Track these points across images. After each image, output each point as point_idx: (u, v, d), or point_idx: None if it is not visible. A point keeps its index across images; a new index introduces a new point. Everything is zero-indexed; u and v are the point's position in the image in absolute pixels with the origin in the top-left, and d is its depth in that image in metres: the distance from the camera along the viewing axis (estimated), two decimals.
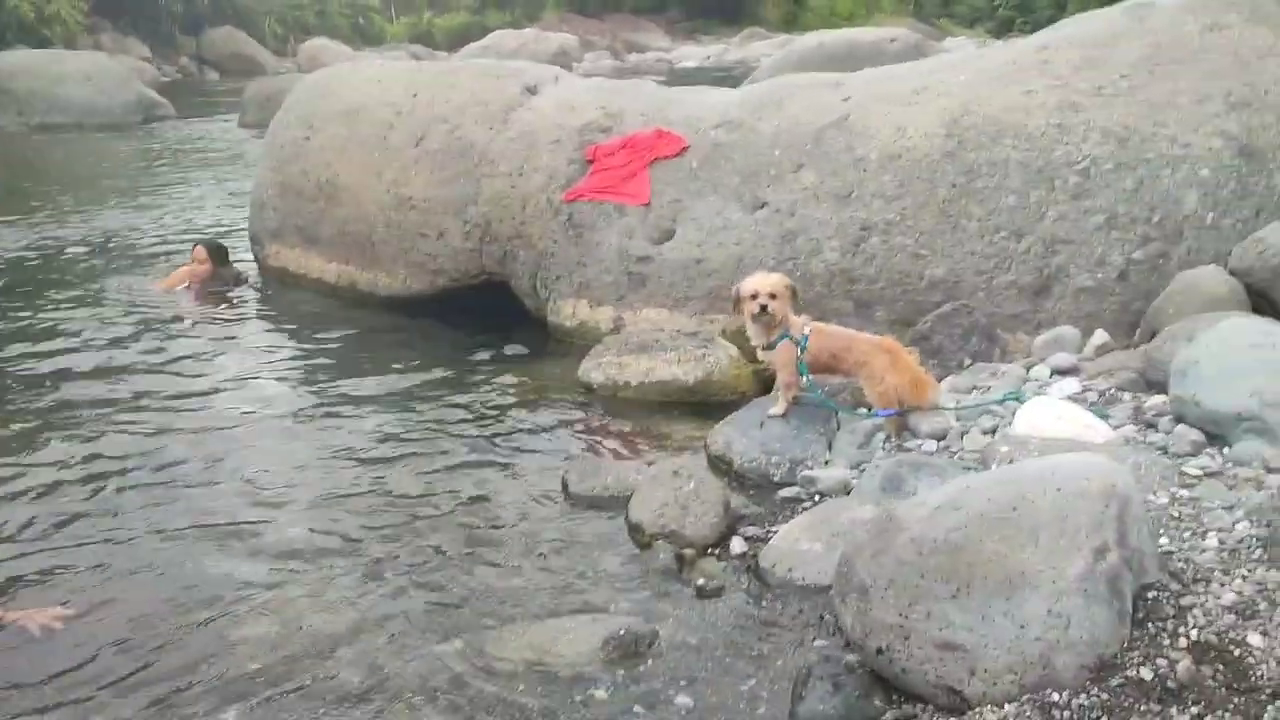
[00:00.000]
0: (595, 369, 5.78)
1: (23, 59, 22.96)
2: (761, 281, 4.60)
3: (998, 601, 2.78)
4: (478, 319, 7.32)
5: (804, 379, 4.66)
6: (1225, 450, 3.86)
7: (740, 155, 6.84)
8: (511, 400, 5.78)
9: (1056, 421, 4.14)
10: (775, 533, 3.96)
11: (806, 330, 4.61)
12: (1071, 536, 2.82)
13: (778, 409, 4.73)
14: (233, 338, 7.25)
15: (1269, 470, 3.60)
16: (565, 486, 4.51)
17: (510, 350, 6.75)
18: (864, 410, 4.64)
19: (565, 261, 7.00)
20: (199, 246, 8.68)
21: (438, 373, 6.27)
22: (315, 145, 8.24)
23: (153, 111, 22.44)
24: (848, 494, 4.24)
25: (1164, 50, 6.22)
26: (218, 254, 8.62)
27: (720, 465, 4.69)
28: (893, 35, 31.55)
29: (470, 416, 5.53)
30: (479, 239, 7.35)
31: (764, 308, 4.56)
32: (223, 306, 8.10)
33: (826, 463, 4.48)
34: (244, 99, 21.65)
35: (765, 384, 5.76)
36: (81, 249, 9.98)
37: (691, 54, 46.43)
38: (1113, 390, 4.69)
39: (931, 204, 6.05)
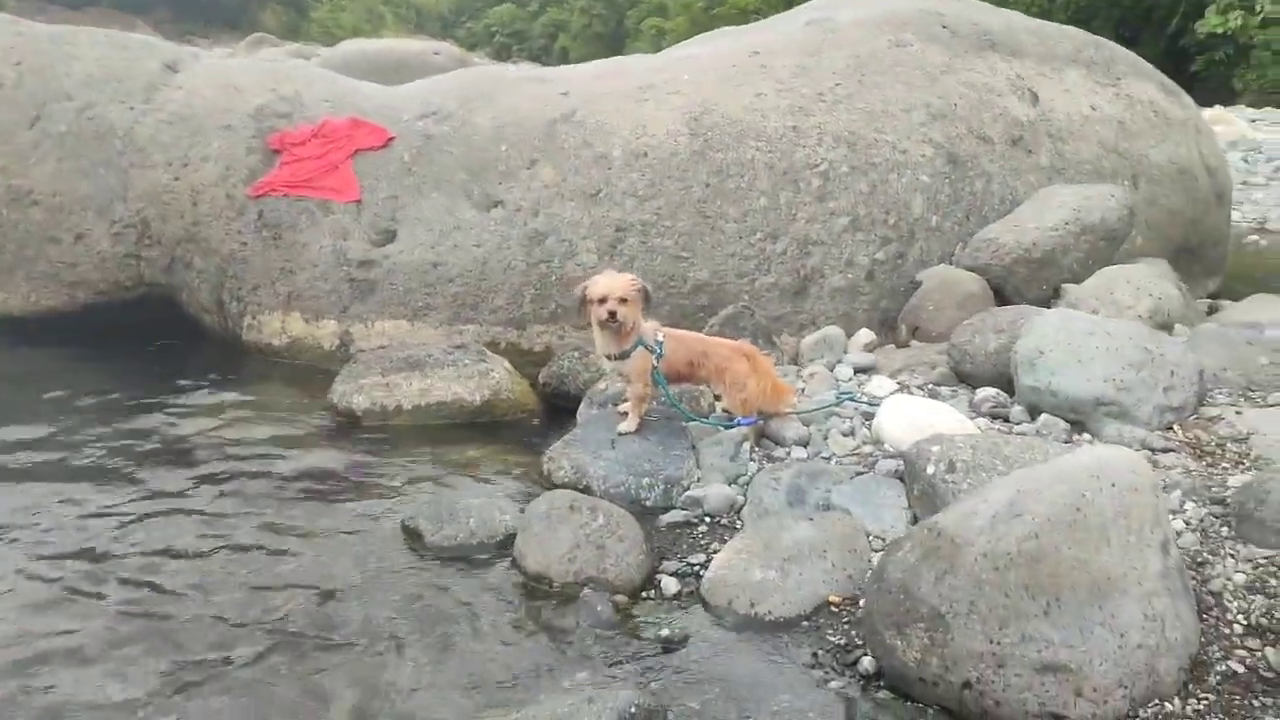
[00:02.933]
0: (357, 393, 4.83)
1: None
2: (611, 284, 4.04)
3: (1091, 611, 2.58)
4: (127, 343, 5.90)
5: (661, 389, 4.20)
6: (1088, 436, 4.03)
7: (460, 149, 6.17)
8: (257, 442, 4.62)
9: (930, 417, 4.08)
10: (699, 565, 3.48)
11: (659, 336, 4.15)
12: (1139, 533, 2.69)
13: (629, 425, 4.21)
14: None
15: (1154, 451, 3.79)
16: (416, 537, 3.64)
17: (206, 379, 5.47)
18: (724, 419, 4.29)
19: (263, 268, 5.85)
20: None
21: (130, 419, 4.87)
22: None
23: None
24: (737, 513, 3.86)
25: (865, 63, 6.56)
26: None
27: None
28: (436, 49, 31.47)
29: (216, 470, 4.31)
30: (135, 242, 5.93)
31: (613, 314, 4.02)
32: None
33: (699, 480, 4.05)
34: None
35: (549, 401, 5.20)
36: None
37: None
38: (931, 385, 4.77)
39: (687, 204, 5.84)
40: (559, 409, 5.12)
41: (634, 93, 6.35)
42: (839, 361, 5.16)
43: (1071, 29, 7.99)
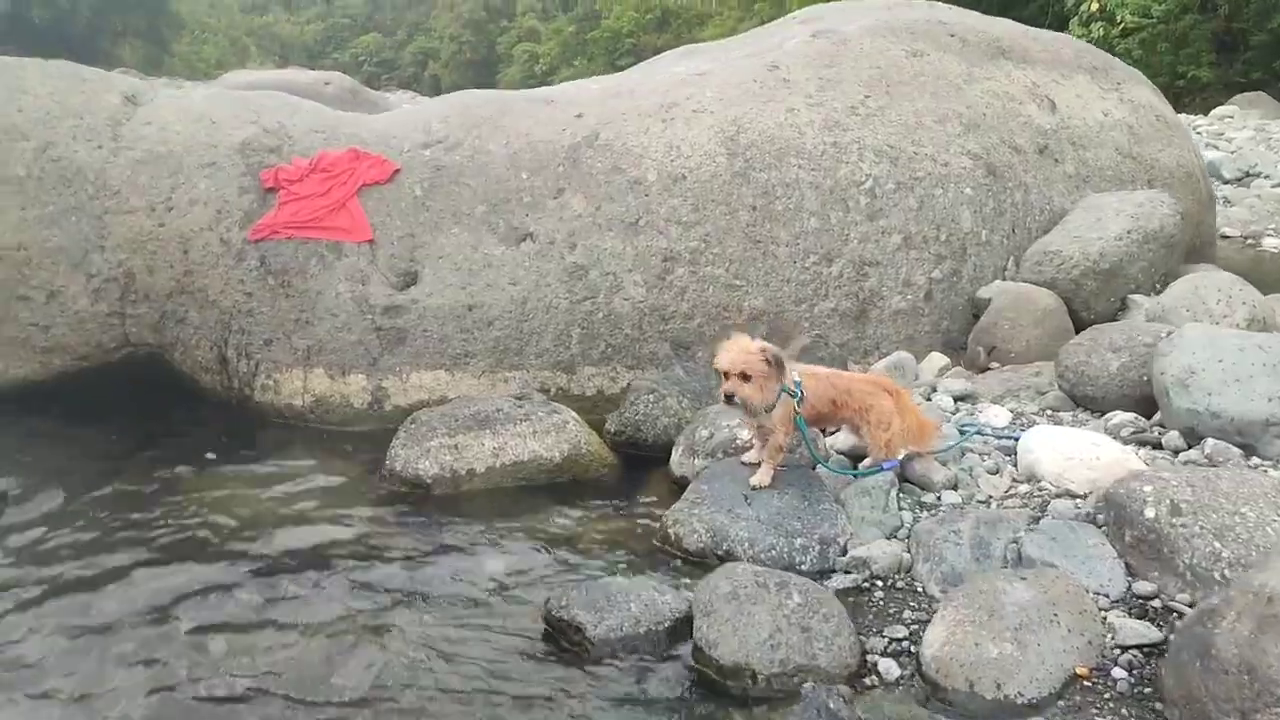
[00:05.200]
0: (423, 457, 4.25)
1: None
2: (732, 357, 3.57)
3: None
4: (114, 415, 5.17)
5: (803, 435, 3.76)
6: (1256, 460, 3.75)
7: (477, 179, 5.64)
8: (315, 523, 3.98)
9: (1090, 450, 3.74)
10: (904, 640, 3.06)
11: (796, 376, 3.71)
12: None
13: (763, 478, 3.75)
14: None
15: None
16: (574, 631, 3.10)
17: (218, 452, 4.77)
18: (871, 465, 3.87)
19: (274, 320, 5.20)
20: None
21: (145, 511, 4.13)
22: None
23: None
24: (907, 572, 3.45)
25: (886, 74, 6.28)
26: None
27: (702, 559, 3.60)
28: (327, 79, 30.48)
29: (276, 568, 3.64)
30: (118, 299, 5.21)
31: (729, 397, 3.58)
32: None
33: (852, 536, 3.62)
34: None
35: (621, 452, 4.70)
36: None
37: None
38: (1049, 411, 4.45)
39: (735, 229, 5.44)
40: (636, 461, 4.64)
41: (656, 112, 5.92)
42: (934, 390, 4.80)
43: (1065, 35, 7.91)
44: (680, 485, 4.18)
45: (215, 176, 5.48)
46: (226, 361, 5.22)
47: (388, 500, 4.23)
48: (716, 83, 6.19)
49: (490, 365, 5.16)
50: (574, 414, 4.66)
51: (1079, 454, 3.75)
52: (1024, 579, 3.11)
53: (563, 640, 3.14)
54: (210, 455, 4.74)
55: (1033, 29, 7.60)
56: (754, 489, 3.74)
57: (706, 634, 3.00)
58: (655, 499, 4.24)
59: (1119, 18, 24.55)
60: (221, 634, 3.19)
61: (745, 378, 3.58)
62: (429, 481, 4.23)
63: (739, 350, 3.61)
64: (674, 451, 4.38)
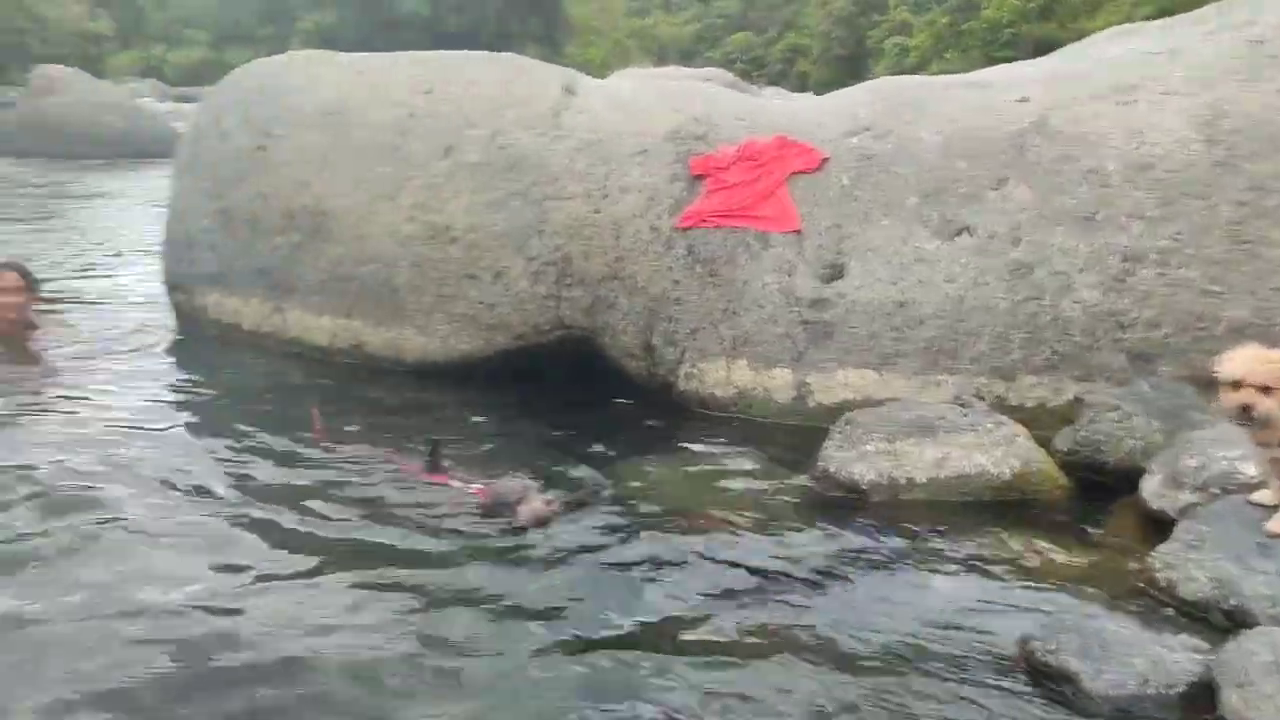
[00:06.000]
0: (859, 461, 4.01)
1: None
2: (1249, 364, 3.02)
3: None
4: (543, 393, 5.36)
5: None
6: None
7: (908, 168, 5.29)
8: (749, 521, 3.84)
9: None
10: None
11: None
12: None
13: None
14: (163, 441, 4.59)
15: None
16: (1060, 679, 2.73)
17: (646, 435, 4.83)
18: None
19: (701, 309, 5.17)
20: (4, 271, 5.80)
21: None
22: (279, 159, 5.98)
23: None
24: None
25: None
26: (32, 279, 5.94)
27: (1203, 612, 3.06)
28: (707, 75, 31.28)
29: (719, 558, 3.54)
30: (554, 281, 5.39)
31: (1245, 408, 3.01)
32: (87, 368, 5.58)
33: None
34: (13, 126, 18.11)
35: (1073, 473, 4.20)
36: None
37: None
38: None
39: (1214, 227, 4.73)
40: (1092, 486, 4.13)
41: (1113, 94, 5.28)
42: None
43: None
44: (1156, 520, 3.64)
45: (646, 164, 5.54)
46: (652, 348, 5.26)
47: (819, 503, 4.03)
48: (1185, 61, 5.43)
49: (921, 367, 4.83)
50: (1021, 427, 4.23)
51: None
52: None
53: (1047, 684, 2.76)
54: (637, 439, 4.78)
55: None
56: (1271, 537, 3.15)
57: (1241, 710, 2.50)
58: (1125, 533, 3.73)
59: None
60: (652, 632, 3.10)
61: (1266, 390, 3.01)
62: (865, 488, 3.97)
63: (1257, 358, 3.04)
64: (1147, 480, 3.83)
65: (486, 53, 6.41)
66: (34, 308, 5.88)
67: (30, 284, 5.79)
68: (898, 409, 4.24)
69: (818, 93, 18.66)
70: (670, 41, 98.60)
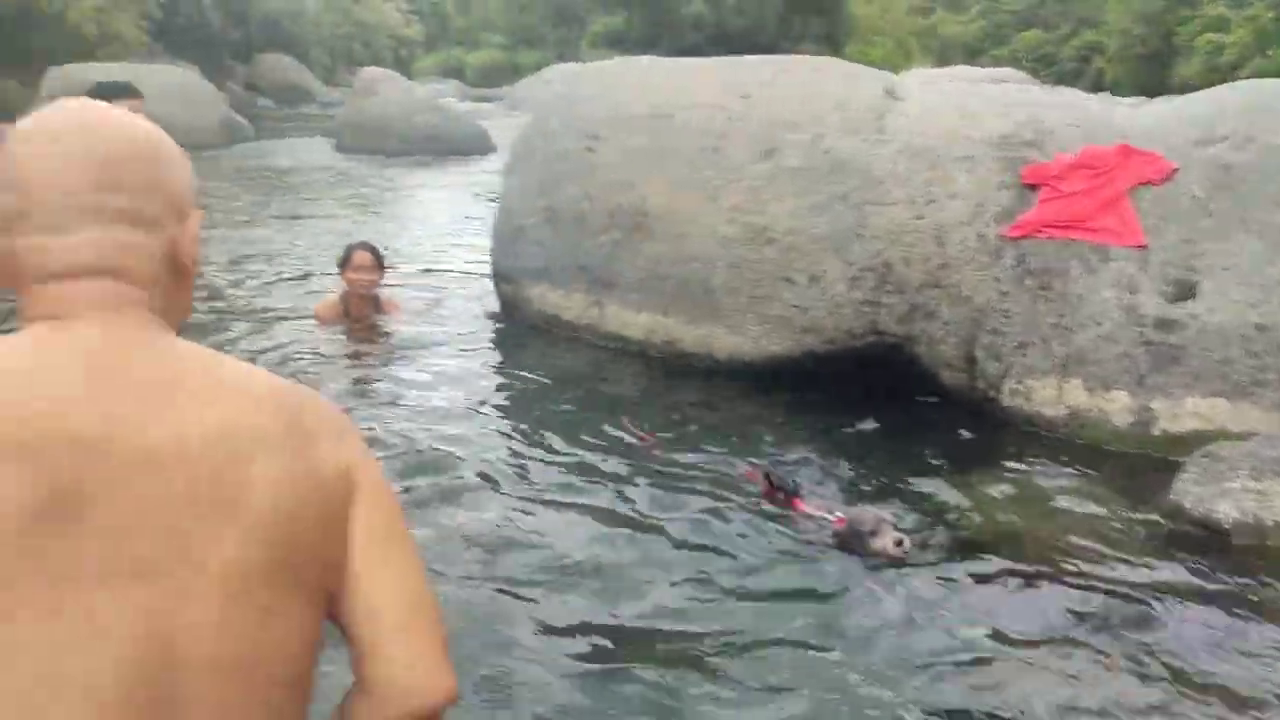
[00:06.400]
0: (1220, 498, 3.72)
1: (102, 73, 21.11)
2: None
3: None
4: (853, 401, 5.29)
5: None
6: None
7: (1272, 182, 4.84)
8: (1094, 555, 3.66)
9: None
10: None
11: None
12: None
13: None
14: (518, 420, 5.04)
15: None
16: None
17: (962, 450, 4.69)
18: None
19: (1029, 323, 4.96)
20: (360, 251, 6.28)
21: (919, 501, 4.14)
22: (604, 160, 6.24)
23: (237, 133, 20.59)
24: None
25: None
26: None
27: None
28: (1000, 75, 30.07)
29: (1071, 595, 3.38)
30: (872, 287, 5.32)
31: None
32: (437, 353, 6.00)
33: None
34: (338, 124, 19.88)
35: None
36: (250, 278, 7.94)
37: None
38: None
39: None
40: None
41: None
42: None
43: None
44: None
45: (973, 170, 5.36)
46: (974, 361, 5.09)
47: (1171, 539, 3.76)
48: None
49: None
50: None
51: None
52: None
53: None
54: (951, 453, 4.66)
55: None
56: None
57: None
58: None
59: None
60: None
61: None
62: (1227, 527, 3.67)
63: None
64: None
65: (803, 56, 6.42)
66: (383, 286, 6.43)
67: (380, 264, 6.32)
68: (1264, 444, 3.89)
69: (1115, 93, 17.49)
70: (954, 40, 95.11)
